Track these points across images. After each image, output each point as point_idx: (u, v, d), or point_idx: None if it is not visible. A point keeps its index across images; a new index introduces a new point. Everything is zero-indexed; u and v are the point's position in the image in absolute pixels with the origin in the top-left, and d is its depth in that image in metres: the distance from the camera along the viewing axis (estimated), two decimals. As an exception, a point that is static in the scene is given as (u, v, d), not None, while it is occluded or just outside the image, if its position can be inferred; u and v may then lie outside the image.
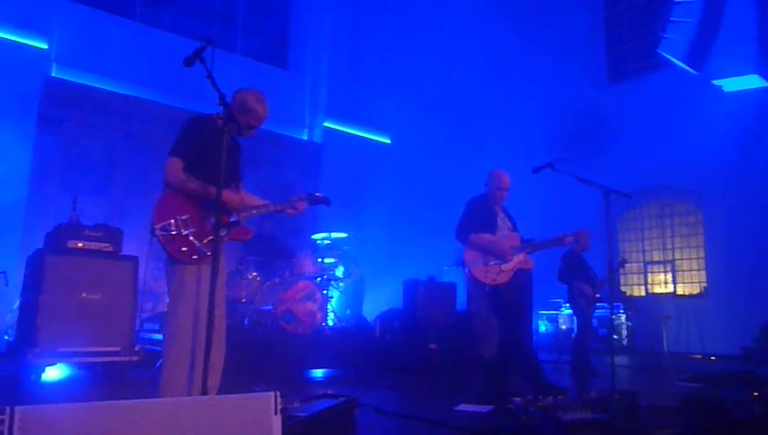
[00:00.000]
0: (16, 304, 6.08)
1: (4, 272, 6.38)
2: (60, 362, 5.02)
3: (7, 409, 1.69)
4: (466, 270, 5.15)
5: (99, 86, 8.97)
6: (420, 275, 7.81)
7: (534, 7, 13.15)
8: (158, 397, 3.21)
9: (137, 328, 5.65)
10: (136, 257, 5.41)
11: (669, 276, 12.20)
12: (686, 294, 11.89)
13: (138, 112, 9.17)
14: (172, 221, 3.24)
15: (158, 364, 4.67)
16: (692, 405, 3.96)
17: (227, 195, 3.32)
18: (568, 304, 7.55)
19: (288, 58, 12.04)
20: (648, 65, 12.51)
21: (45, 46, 8.51)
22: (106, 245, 5.36)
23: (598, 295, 7.34)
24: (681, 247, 12.15)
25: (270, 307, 6.79)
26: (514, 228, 5.33)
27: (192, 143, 3.39)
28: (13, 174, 7.80)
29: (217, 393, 3.26)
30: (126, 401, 1.98)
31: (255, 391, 2.22)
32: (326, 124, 11.68)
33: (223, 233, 3.21)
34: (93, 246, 5.30)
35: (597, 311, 8.02)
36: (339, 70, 11.96)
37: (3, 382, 5.11)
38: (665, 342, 11.00)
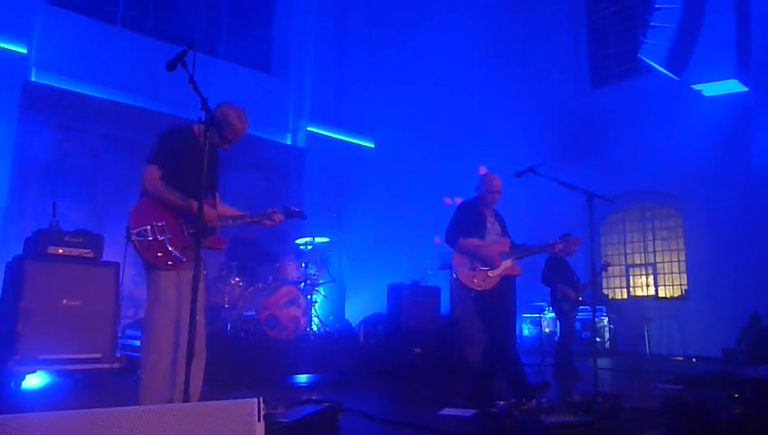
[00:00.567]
0: (-5, 311, 5.99)
1: (-17, 278, 6.28)
2: (40, 369, 4.95)
3: (-15, 418, 1.67)
4: (453, 274, 5.16)
5: (79, 91, 8.88)
6: (404, 279, 7.82)
7: (517, 12, 13.25)
8: (138, 403, 3.21)
9: (118, 335, 5.59)
10: (117, 263, 5.35)
11: (651, 279, 12.33)
12: (668, 296, 12.03)
13: (119, 117, 9.09)
14: (148, 227, 3.28)
15: (139, 371, 4.63)
16: (674, 407, 4.01)
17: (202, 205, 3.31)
18: (551, 308, 7.59)
19: (271, 62, 12.02)
20: (630, 70, 12.65)
21: (24, 51, 8.42)
22: (87, 251, 5.30)
23: (580, 299, 7.40)
24: (662, 250, 12.28)
25: (253, 313, 6.75)
26: (504, 233, 5.32)
27: (169, 152, 3.41)
28: (-9, 179, 7.72)
29: (200, 400, 3.25)
30: (108, 408, 1.96)
31: (238, 398, 2.20)
32: (310, 128, 11.68)
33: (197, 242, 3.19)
34: (74, 252, 5.24)
35: (579, 314, 8.08)
36: (322, 74, 11.97)
37: (-19, 391, 5.03)
38: (647, 344, 11.11)
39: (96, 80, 9.07)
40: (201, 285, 3.45)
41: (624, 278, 12.75)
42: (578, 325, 9.10)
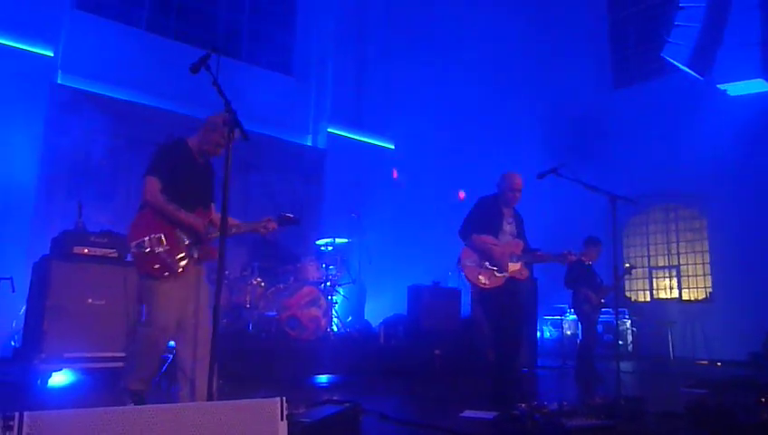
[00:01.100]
0: (22, 309, 6.11)
1: (11, 278, 6.39)
2: (66, 367, 5.04)
3: (16, 414, 1.70)
4: (459, 269, 5.13)
5: (104, 93, 9.01)
6: (425, 280, 7.80)
7: (539, 12, 13.16)
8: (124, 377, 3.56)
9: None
10: (141, 263, 5.41)
11: (674, 282, 12.17)
12: (692, 299, 11.85)
13: (143, 119, 9.20)
14: (146, 239, 3.43)
15: (163, 369, 4.69)
16: (698, 411, 3.95)
17: (195, 218, 3.56)
18: (573, 310, 7.52)
19: (292, 65, 12.09)
20: (653, 70, 12.50)
21: (51, 54, 8.57)
22: (111, 251, 5.39)
23: (603, 301, 7.32)
24: (686, 252, 12.11)
25: (274, 313, 6.80)
26: (519, 235, 5.25)
27: (168, 165, 3.58)
28: (19, 181, 7.86)
29: (221, 398, 3.29)
30: (132, 406, 1.99)
31: (260, 397, 2.22)
32: (330, 130, 11.71)
33: (194, 252, 3.55)
34: (99, 252, 5.33)
35: (602, 316, 8.00)
36: (343, 76, 12.00)
37: (9, 388, 5.13)
38: (670, 347, 10.97)
39: (121, 82, 9.20)
40: (204, 284, 3.69)
41: (647, 281, 12.59)
42: (600, 328, 9.02)
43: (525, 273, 5.10)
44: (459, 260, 5.14)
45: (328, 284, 7.49)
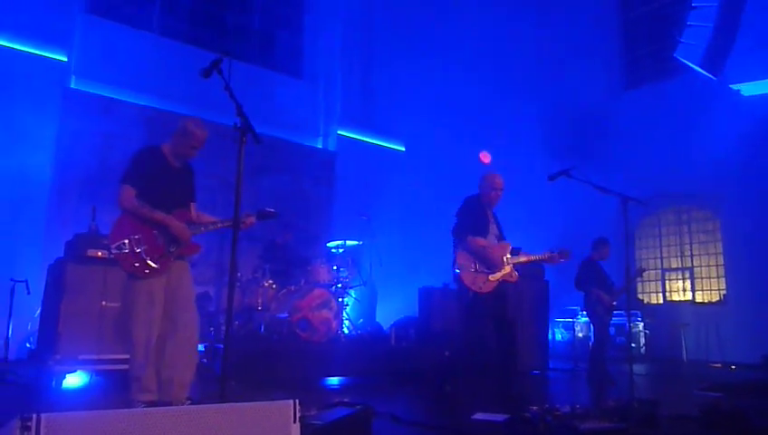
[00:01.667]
0: (37, 311, 6.17)
1: (26, 280, 6.48)
2: (80, 368, 5.09)
3: (33, 415, 1.72)
4: (456, 272, 5.12)
5: (117, 97, 9.09)
6: (435, 282, 7.79)
7: (549, 13, 13.11)
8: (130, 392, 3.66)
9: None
10: (154, 266, 5.45)
11: (688, 283, 12.07)
12: (705, 301, 11.75)
13: (155, 123, 9.25)
14: (126, 241, 3.65)
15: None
16: (712, 414, 3.92)
17: (170, 218, 3.74)
18: (584, 312, 7.48)
19: (302, 67, 12.13)
20: (665, 70, 12.42)
21: (65, 59, 8.66)
22: (125, 253, 5.41)
23: (614, 303, 7.27)
24: (699, 254, 12.01)
25: (285, 315, 6.82)
26: (502, 236, 5.26)
27: (142, 172, 3.76)
28: (33, 184, 7.94)
29: (235, 400, 3.32)
30: (147, 408, 2.00)
31: (272, 399, 2.23)
32: (340, 132, 11.74)
33: (172, 249, 3.73)
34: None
35: (614, 319, 7.95)
36: (353, 78, 12.02)
37: (25, 389, 5.18)
38: (684, 350, 10.88)
39: (133, 86, 9.28)
40: (189, 281, 3.89)
41: (660, 283, 12.50)
42: (612, 330, 8.96)
43: (516, 276, 5.10)
44: (454, 263, 5.14)
45: (339, 286, 7.50)
